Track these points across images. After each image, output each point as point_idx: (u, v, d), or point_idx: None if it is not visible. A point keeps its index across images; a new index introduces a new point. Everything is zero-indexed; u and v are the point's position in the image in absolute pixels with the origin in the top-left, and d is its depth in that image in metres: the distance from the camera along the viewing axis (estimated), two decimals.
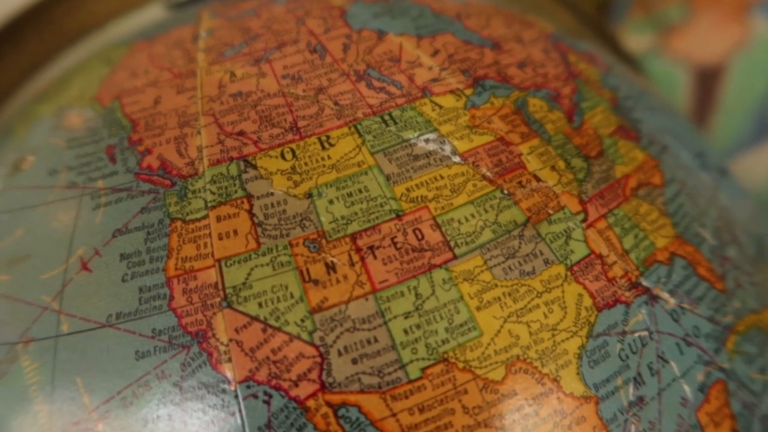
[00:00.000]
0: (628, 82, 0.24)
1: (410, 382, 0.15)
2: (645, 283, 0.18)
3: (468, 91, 0.20)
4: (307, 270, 0.16)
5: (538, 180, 0.18)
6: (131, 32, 0.26)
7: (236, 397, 0.15)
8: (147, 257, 0.17)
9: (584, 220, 0.18)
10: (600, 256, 0.18)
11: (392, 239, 0.17)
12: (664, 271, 0.18)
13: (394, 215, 0.17)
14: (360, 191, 0.17)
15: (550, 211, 0.18)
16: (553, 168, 0.19)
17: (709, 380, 0.18)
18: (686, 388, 0.17)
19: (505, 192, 0.18)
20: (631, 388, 0.17)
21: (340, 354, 0.15)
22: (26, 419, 0.16)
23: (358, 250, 0.16)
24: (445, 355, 0.16)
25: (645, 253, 0.18)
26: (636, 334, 0.17)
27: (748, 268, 0.21)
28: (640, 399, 0.17)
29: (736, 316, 0.19)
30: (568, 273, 0.17)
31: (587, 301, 0.17)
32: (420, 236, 0.17)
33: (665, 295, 0.18)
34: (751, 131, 0.48)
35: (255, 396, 0.15)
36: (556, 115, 0.20)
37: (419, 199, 0.17)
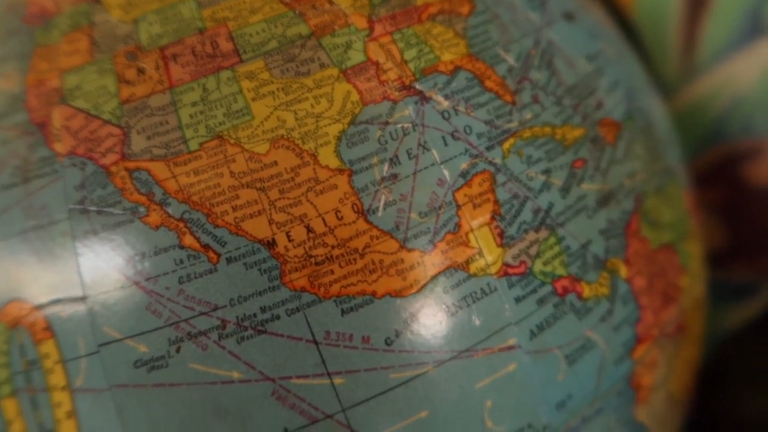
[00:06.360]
0: None
1: (190, 153, 0.19)
2: (419, 86, 0.21)
3: None
4: (123, 74, 0.20)
5: (331, 4, 0.21)
6: None
7: (62, 166, 0.20)
8: (17, 74, 0.21)
9: (368, 35, 0.21)
10: (376, 63, 0.20)
11: (192, 49, 0.20)
12: (443, 79, 0.21)
13: (197, 31, 0.21)
14: (175, 15, 0.21)
15: (336, 28, 0.21)
16: None
17: (474, 170, 0.20)
18: (445, 172, 0.20)
19: (297, 12, 0.21)
20: (386, 167, 0.19)
21: (138, 133, 0.19)
22: None
23: (164, 58, 0.20)
24: (220, 134, 0.19)
25: (426, 64, 0.21)
26: (399, 125, 0.20)
27: (558, 91, 0.23)
28: (394, 176, 0.19)
29: (522, 124, 0.21)
30: (341, 75, 0.20)
31: (354, 97, 0.20)
32: (215, 46, 0.20)
33: (439, 98, 0.21)
34: (743, 31, 0.47)
35: (74, 165, 0.20)
36: None
37: (221, 19, 0.21)
